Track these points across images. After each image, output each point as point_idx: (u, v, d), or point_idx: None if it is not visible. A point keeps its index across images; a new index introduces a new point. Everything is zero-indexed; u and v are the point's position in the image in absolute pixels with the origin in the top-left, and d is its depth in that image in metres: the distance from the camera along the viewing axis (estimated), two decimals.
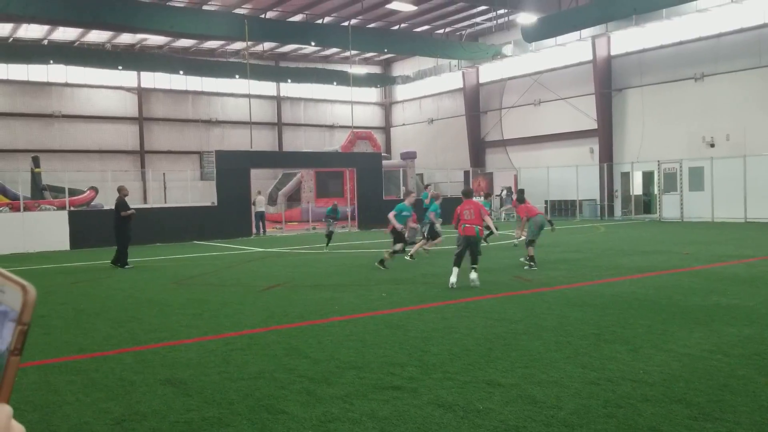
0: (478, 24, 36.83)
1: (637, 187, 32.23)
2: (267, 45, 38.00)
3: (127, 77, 36.73)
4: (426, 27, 36.34)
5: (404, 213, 13.57)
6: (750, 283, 9.99)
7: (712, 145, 28.25)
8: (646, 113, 31.33)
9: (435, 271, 12.52)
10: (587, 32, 30.90)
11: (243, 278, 12.30)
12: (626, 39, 31.80)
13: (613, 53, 32.53)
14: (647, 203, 31.51)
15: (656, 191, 30.10)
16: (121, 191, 14.38)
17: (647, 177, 31.65)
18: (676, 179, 28.85)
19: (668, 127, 30.22)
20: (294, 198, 31.80)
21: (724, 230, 21.90)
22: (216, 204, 22.86)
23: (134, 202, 30.35)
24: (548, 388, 5.01)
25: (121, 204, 14.30)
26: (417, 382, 5.25)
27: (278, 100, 42.40)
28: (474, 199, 11.50)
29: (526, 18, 30.78)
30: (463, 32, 37.96)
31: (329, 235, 18.48)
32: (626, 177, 32.12)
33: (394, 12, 32.86)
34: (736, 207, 26.43)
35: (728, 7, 26.97)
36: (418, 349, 6.34)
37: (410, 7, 31.62)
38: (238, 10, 30.53)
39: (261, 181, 32.20)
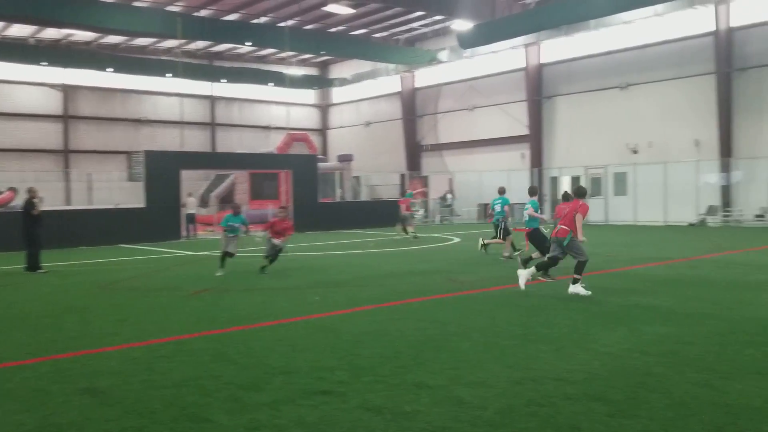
0: (415, 29, 37.17)
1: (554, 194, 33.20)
2: (201, 43, 37.25)
3: (51, 73, 35.23)
4: (364, 30, 36.42)
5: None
6: (668, 283, 10.43)
7: (636, 152, 29.42)
8: (575, 120, 32.33)
9: (369, 273, 12.55)
10: (520, 41, 31.63)
11: (171, 282, 11.99)
12: (557, 48, 32.75)
13: (544, 61, 33.43)
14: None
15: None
16: (31, 192, 14.07)
17: (575, 182, 32.61)
18: (602, 184, 29.91)
19: (595, 134, 31.28)
20: (227, 200, 31.25)
21: (646, 233, 22.82)
22: (144, 206, 22.23)
23: (56, 204, 29.20)
24: (475, 388, 5.09)
25: (29, 205, 13.87)
26: (346, 386, 5.23)
27: (212, 99, 41.60)
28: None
29: (462, 25, 31.27)
30: (401, 37, 38.24)
31: (226, 256, 12.58)
32: (555, 181, 33.04)
33: (331, 14, 32.79)
34: (656, 210, 27.63)
35: (652, 20, 28.13)
36: (349, 352, 6.33)
37: (348, 11, 31.62)
38: (170, 7, 29.80)
39: (193, 182, 31.52)
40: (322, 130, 47.07)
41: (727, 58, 26.96)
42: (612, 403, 4.66)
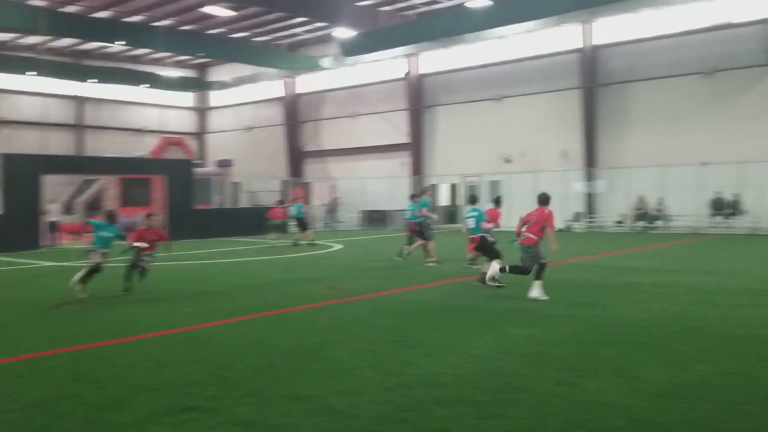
0: (297, 35, 36.93)
1: (444, 199, 34.16)
2: (68, 41, 34.98)
3: None
4: (245, 34, 35.71)
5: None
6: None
7: (509, 161, 30.84)
8: (454, 129, 33.41)
9: (246, 282, 12.26)
10: (401, 51, 32.26)
11: (27, 296, 11.08)
12: (437, 59, 33.71)
13: (424, 72, 34.30)
14: (453, 214, 33.49)
15: (460, 202, 32.14)
16: None
17: (453, 189, 33.73)
18: (478, 192, 31.06)
19: (472, 143, 32.46)
20: (95, 207, 29.46)
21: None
22: (1, 212, 20.51)
23: None
24: (348, 397, 5.06)
25: None
26: (217, 401, 5.04)
27: (80, 100, 39.13)
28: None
29: (344, 33, 31.45)
30: (283, 42, 37.86)
31: (92, 273, 10.52)
32: (434, 189, 33.93)
33: (210, 16, 31.89)
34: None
35: (524, 35, 29.63)
36: (220, 365, 6.11)
37: (228, 13, 30.91)
38: (35, 1, 27.77)
39: (59, 188, 29.53)
40: (201, 135, 45.65)
41: (591, 74, 28.88)
42: (480, 405, 4.79)
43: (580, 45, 29.14)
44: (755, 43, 25.12)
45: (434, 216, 15.70)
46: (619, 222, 27.51)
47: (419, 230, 15.32)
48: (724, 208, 24.72)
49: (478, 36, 29.21)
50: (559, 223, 28.07)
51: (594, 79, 28.92)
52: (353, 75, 36.68)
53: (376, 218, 33.38)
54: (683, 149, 26.63)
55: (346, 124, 37.46)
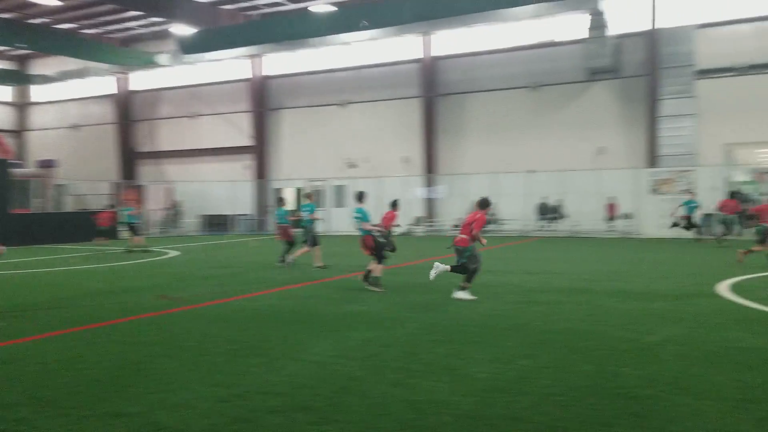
0: (131, 29, 34.93)
1: (289, 203, 33.86)
2: None
3: None
4: (72, 25, 33.15)
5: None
6: (376, 292, 11.09)
7: (354, 166, 31.29)
8: (299, 133, 33.30)
9: (68, 293, 11.30)
10: (244, 51, 31.60)
11: None
12: (281, 62, 33.41)
13: (269, 74, 33.87)
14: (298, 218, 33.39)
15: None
16: None
17: (298, 194, 33.56)
18: (323, 196, 31.20)
19: (317, 148, 32.55)
20: None
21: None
22: None
23: None
24: (177, 411, 4.78)
25: None
26: (26, 423, 4.55)
27: None
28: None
29: (182, 29, 30.20)
30: (115, 36, 35.61)
31: None
32: (279, 193, 33.57)
33: (34, 4, 29.23)
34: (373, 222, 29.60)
35: (368, 43, 30.23)
36: (34, 385, 5.53)
37: (53, 2, 28.52)
38: None
39: None
40: (20, 132, 41.71)
41: (431, 83, 30.10)
42: (315, 411, 4.73)
43: (420, 55, 30.27)
44: (575, 60, 27.54)
45: (320, 218, 15.52)
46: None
47: (292, 235, 15.23)
48: (548, 212, 26.81)
49: (322, 41, 29.37)
50: (400, 227, 28.82)
51: (434, 88, 30.17)
52: (193, 74, 35.39)
53: (217, 223, 32.41)
54: (513, 157, 28.54)
55: (185, 124, 36.03)
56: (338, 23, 27.14)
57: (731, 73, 25.87)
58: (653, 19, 26.71)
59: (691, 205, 21.15)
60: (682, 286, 11.02)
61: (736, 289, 10.53)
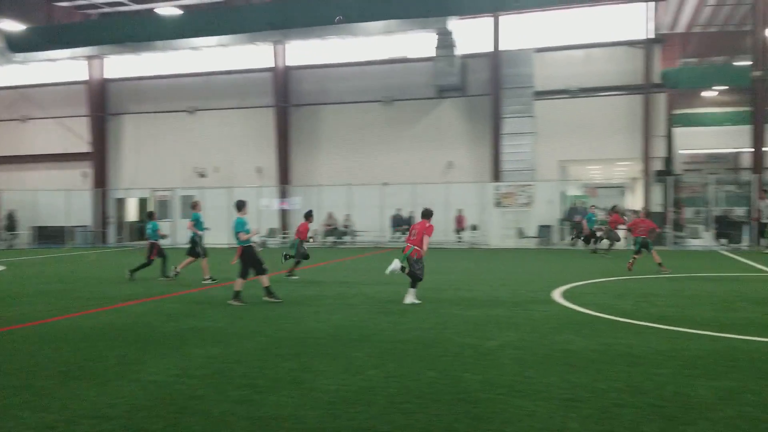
0: None
1: (131, 214, 32.14)
2: None
3: None
4: None
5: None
6: (222, 305, 10.72)
7: (204, 176, 30.27)
8: (144, 140, 31.67)
9: None
10: (81, 52, 29.56)
11: None
12: (124, 64, 31.64)
13: (109, 77, 31.94)
14: (142, 229, 31.70)
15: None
16: None
17: (142, 204, 31.90)
18: (169, 207, 29.86)
19: (164, 156, 31.14)
20: None
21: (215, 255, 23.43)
22: None
23: None
24: None
25: None
26: None
27: None
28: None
29: (12, 25, 27.71)
30: None
31: None
32: (122, 203, 31.75)
33: None
34: (223, 233, 28.65)
35: (218, 49, 29.44)
36: None
37: None
38: None
39: None
40: None
41: (284, 94, 29.88)
42: None
43: (273, 64, 29.99)
44: (426, 77, 28.60)
45: (200, 233, 14.49)
46: (311, 237, 28.75)
47: (159, 250, 14.64)
48: (402, 224, 27.50)
49: (169, 44, 28.24)
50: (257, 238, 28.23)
51: (287, 98, 29.99)
52: (23, 73, 32.56)
53: (50, 235, 29.89)
54: (367, 170, 29.03)
55: (12, 128, 33.05)
56: (186, 27, 26.23)
57: (565, 96, 28.12)
58: (496, 42, 28.39)
59: (591, 219, 22.40)
60: (520, 294, 11.70)
61: (568, 295, 11.36)
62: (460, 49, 27.98)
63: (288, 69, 30.08)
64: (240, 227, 10.86)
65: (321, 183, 29.21)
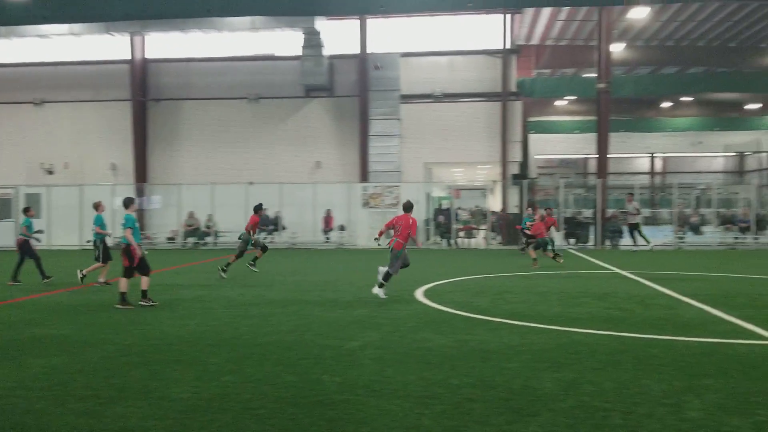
0: None
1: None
2: None
3: None
4: None
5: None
6: (66, 311, 9.99)
7: (51, 173, 28.12)
8: None
9: None
10: None
11: None
12: None
13: None
14: None
15: None
16: None
17: None
18: (12, 205, 27.41)
19: (7, 151, 28.64)
20: None
21: (61, 257, 21.86)
22: None
23: None
24: None
25: None
26: None
27: None
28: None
29: None
30: None
31: None
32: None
33: None
34: (72, 233, 26.78)
35: (69, 38, 27.46)
36: None
37: None
38: None
39: None
40: None
41: (142, 87, 28.43)
42: None
43: (130, 56, 28.47)
44: (294, 76, 28.34)
45: (108, 233, 13.23)
46: (171, 238, 27.59)
47: (27, 249, 13.62)
48: (268, 224, 27.03)
49: (13, 31, 25.97)
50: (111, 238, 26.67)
51: (145, 92, 28.59)
52: None
53: None
54: (232, 168, 28.30)
55: None
56: (32, 14, 24.17)
57: (430, 100, 28.99)
58: (363, 44, 28.71)
59: (527, 222, 22.64)
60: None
61: (429, 294, 11.67)
62: (328, 49, 28.02)
63: (147, 61, 28.66)
64: (130, 225, 10.22)
65: (182, 181, 28.06)
